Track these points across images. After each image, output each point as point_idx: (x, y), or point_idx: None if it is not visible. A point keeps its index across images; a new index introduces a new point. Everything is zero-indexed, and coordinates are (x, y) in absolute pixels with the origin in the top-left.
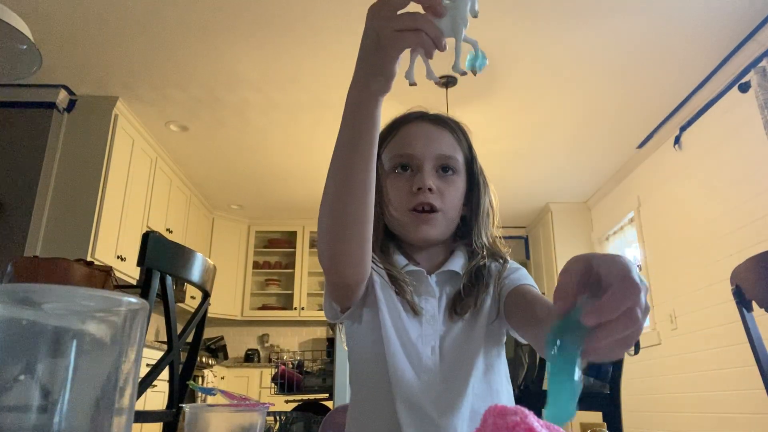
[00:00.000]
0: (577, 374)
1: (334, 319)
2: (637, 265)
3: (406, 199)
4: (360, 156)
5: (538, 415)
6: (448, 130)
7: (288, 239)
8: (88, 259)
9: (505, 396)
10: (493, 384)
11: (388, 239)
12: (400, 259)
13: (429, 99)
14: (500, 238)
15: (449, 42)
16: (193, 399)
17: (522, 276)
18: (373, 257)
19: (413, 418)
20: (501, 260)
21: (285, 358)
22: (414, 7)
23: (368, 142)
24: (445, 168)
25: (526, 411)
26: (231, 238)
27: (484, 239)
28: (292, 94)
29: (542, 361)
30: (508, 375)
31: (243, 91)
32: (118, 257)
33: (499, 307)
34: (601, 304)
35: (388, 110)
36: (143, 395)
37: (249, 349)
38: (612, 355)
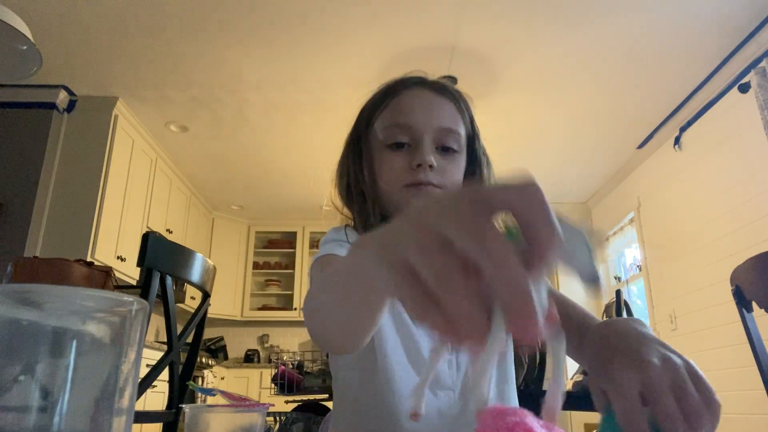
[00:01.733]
0: None
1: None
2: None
3: (401, 175)
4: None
5: (537, 415)
6: (450, 100)
7: (288, 240)
8: (88, 259)
9: (514, 403)
10: (505, 393)
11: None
12: None
13: None
14: None
15: None
16: (192, 399)
17: None
18: None
19: None
20: None
21: (285, 358)
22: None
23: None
24: (445, 147)
25: (525, 411)
26: (231, 239)
27: None
28: (291, 95)
29: (542, 362)
30: (515, 380)
31: (243, 92)
32: (118, 257)
33: None
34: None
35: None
36: (143, 395)
37: (249, 350)
38: None
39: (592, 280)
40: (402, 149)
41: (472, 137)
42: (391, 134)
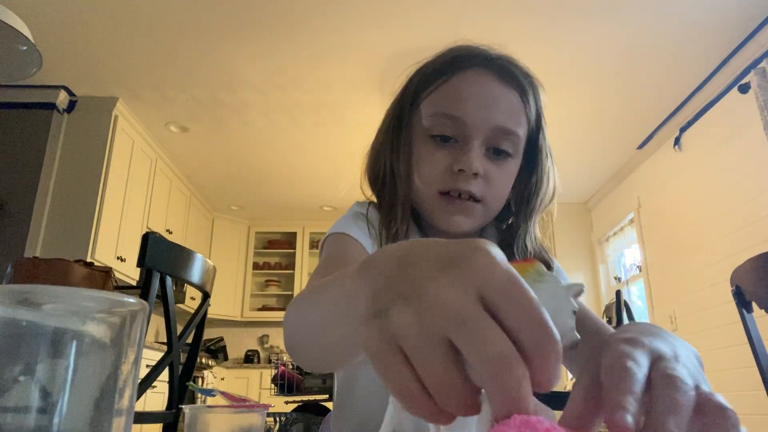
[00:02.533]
0: None
1: None
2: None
3: (440, 178)
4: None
5: None
6: (516, 91)
7: (288, 240)
8: (88, 259)
9: None
10: None
11: (412, 217)
12: None
13: None
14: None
15: None
16: (192, 400)
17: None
18: None
19: None
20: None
21: (285, 359)
22: None
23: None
24: (498, 150)
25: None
26: (231, 239)
27: (528, 242)
28: (292, 95)
29: None
30: None
31: (243, 92)
32: (118, 258)
33: None
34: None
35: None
36: (143, 396)
37: (249, 350)
38: None
39: (572, 347)
40: (447, 143)
41: (535, 135)
42: (437, 124)
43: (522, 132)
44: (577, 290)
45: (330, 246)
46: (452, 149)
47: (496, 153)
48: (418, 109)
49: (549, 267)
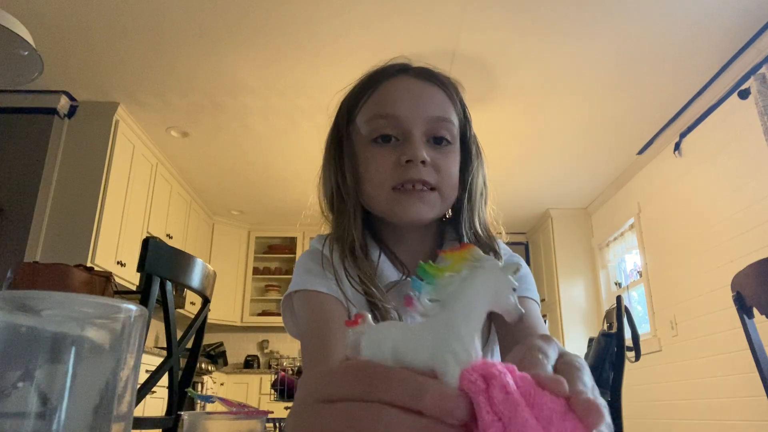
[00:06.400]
0: None
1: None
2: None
3: (390, 173)
4: None
5: None
6: (439, 87)
7: (288, 245)
8: (88, 264)
9: None
10: None
11: (369, 234)
12: (388, 270)
13: None
14: (495, 224)
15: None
16: (192, 405)
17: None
18: (350, 276)
19: None
20: (492, 254)
21: (285, 364)
22: None
23: None
24: (438, 139)
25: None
26: (231, 244)
27: (478, 227)
28: (292, 100)
29: None
30: None
31: (243, 97)
32: (118, 263)
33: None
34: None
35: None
36: (142, 402)
37: (249, 356)
38: None
39: (518, 320)
40: (389, 143)
41: (465, 128)
42: (375, 127)
43: (455, 119)
44: (514, 269)
45: (303, 309)
46: (395, 146)
47: (437, 141)
48: (354, 125)
49: (496, 253)
